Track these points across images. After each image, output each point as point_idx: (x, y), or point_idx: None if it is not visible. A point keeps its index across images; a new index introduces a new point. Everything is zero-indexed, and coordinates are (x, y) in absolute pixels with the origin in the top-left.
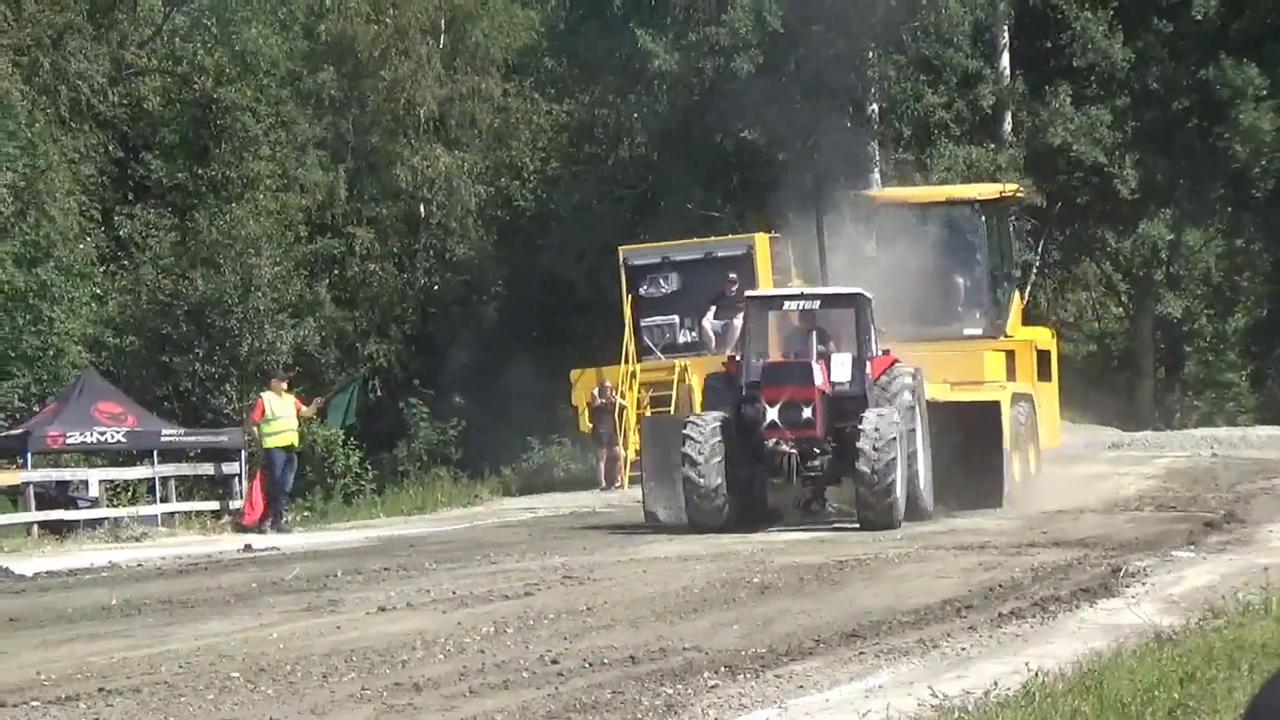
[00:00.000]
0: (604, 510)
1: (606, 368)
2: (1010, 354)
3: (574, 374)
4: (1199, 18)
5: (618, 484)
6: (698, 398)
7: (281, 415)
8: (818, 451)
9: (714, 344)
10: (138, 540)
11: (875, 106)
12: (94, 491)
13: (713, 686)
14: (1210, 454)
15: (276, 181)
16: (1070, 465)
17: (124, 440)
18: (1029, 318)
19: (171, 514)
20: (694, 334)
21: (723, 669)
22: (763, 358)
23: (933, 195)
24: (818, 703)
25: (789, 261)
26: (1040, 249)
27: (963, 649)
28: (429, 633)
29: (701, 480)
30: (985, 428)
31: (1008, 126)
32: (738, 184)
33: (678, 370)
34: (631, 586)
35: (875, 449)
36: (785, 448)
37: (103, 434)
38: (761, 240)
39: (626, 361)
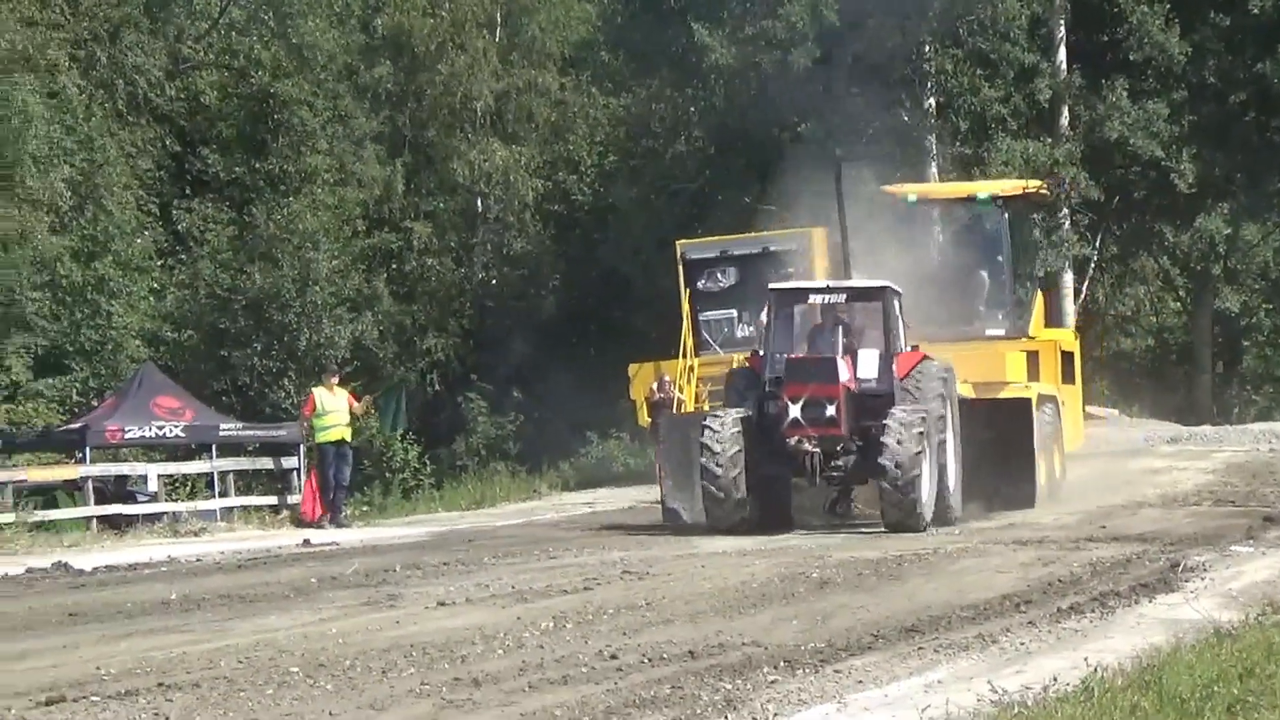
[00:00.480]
0: None
1: (665, 362)
2: (1034, 355)
3: (632, 368)
4: (1256, 11)
5: None
6: None
7: (332, 410)
8: (841, 450)
9: None
10: (196, 535)
11: (932, 100)
12: (153, 486)
13: (772, 682)
14: (1268, 448)
15: (334, 175)
16: (1127, 460)
17: (182, 435)
18: (1087, 313)
19: (230, 508)
20: (751, 328)
21: (782, 664)
22: (788, 352)
23: (954, 191)
24: (876, 698)
25: (849, 255)
26: (1097, 243)
27: (1022, 644)
28: (488, 627)
29: (720, 481)
30: (1016, 427)
31: (1065, 120)
32: (793, 178)
33: (735, 364)
34: (690, 581)
35: (900, 448)
36: (808, 446)
37: (161, 428)
38: (819, 234)
39: (684, 356)
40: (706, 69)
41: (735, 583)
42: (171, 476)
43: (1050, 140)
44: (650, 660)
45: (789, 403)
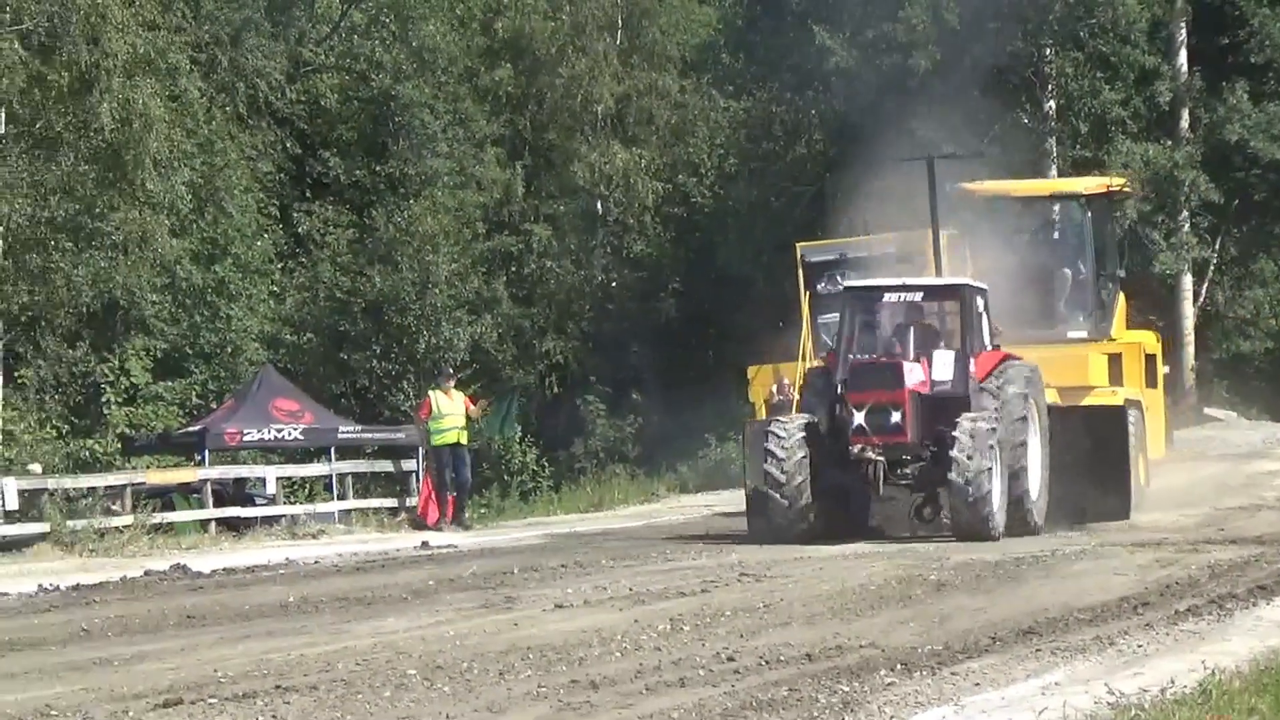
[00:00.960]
0: None
1: (784, 364)
2: (1116, 357)
3: (751, 370)
4: None
5: None
6: None
7: (449, 413)
8: (909, 459)
9: None
10: (314, 537)
11: (1052, 103)
12: (271, 489)
13: (889, 684)
14: None
15: (454, 178)
16: (1245, 462)
17: (301, 437)
18: (1207, 315)
19: (348, 511)
20: None
21: (899, 666)
22: (861, 354)
23: (1036, 189)
24: (994, 700)
25: (965, 259)
26: (1217, 246)
27: (1139, 646)
28: (605, 630)
29: (784, 491)
30: (1109, 434)
31: (1185, 123)
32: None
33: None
34: (808, 584)
35: (969, 457)
36: (871, 455)
37: (280, 431)
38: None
39: (804, 359)
40: (827, 72)
41: (853, 585)
42: (290, 479)
43: (1170, 143)
44: (767, 663)
45: (854, 409)
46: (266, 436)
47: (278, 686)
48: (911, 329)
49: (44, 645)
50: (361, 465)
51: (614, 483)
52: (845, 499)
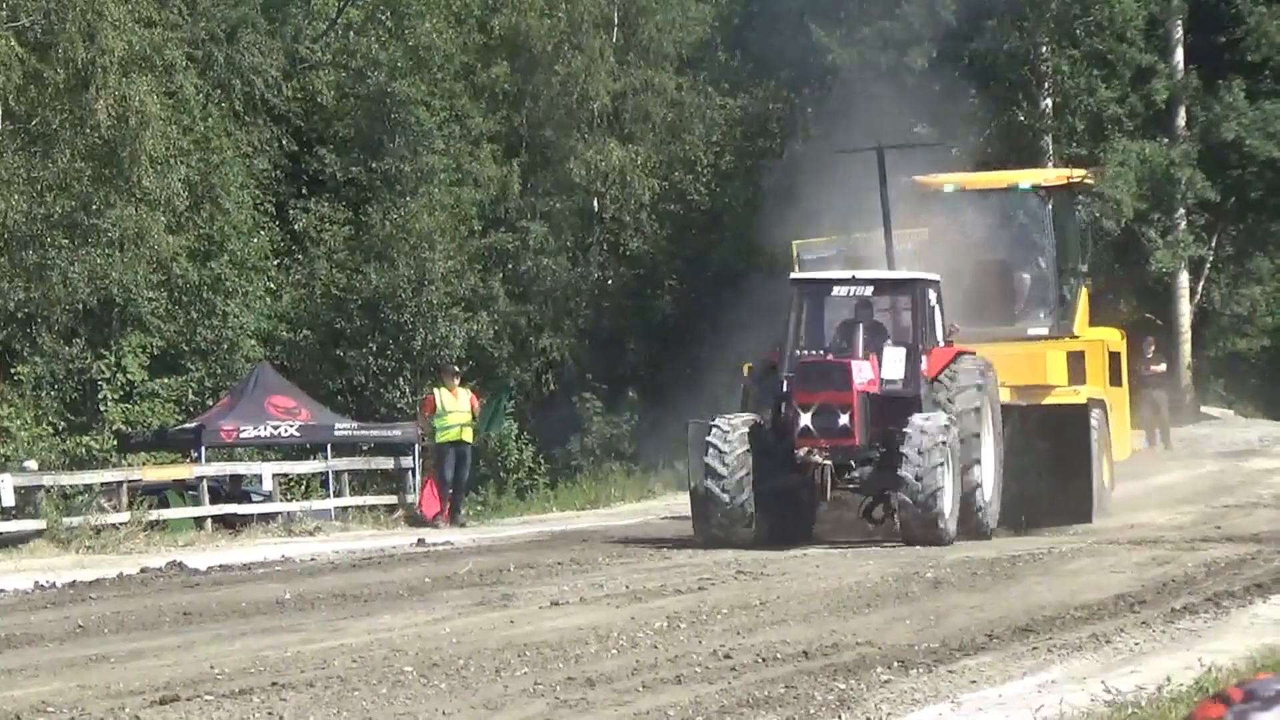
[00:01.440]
0: None
1: None
2: (1079, 355)
3: (746, 367)
4: None
5: None
6: None
7: (452, 410)
8: (857, 461)
9: None
10: (311, 534)
11: (1048, 101)
12: (267, 486)
13: (885, 681)
14: None
15: (450, 175)
16: (1242, 460)
17: (297, 434)
18: (1204, 313)
19: (345, 508)
20: None
21: (896, 664)
22: (816, 349)
23: (994, 181)
24: (991, 698)
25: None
26: (1213, 244)
27: (1136, 644)
28: (602, 627)
29: (726, 495)
30: (1071, 435)
31: (1181, 121)
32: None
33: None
34: (804, 581)
35: (920, 457)
36: (818, 458)
37: (276, 428)
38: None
39: None
40: (824, 69)
41: (850, 583)
42: (286, 476)
43: (1166, 141)
44: (764, 660)
45: (799, 410)
46: (263, 433)
47: (274, 683)
48: (861, 324)
49: (40, 642)
50: (358, 462)
51: (610, 480)
52: (791, 501)
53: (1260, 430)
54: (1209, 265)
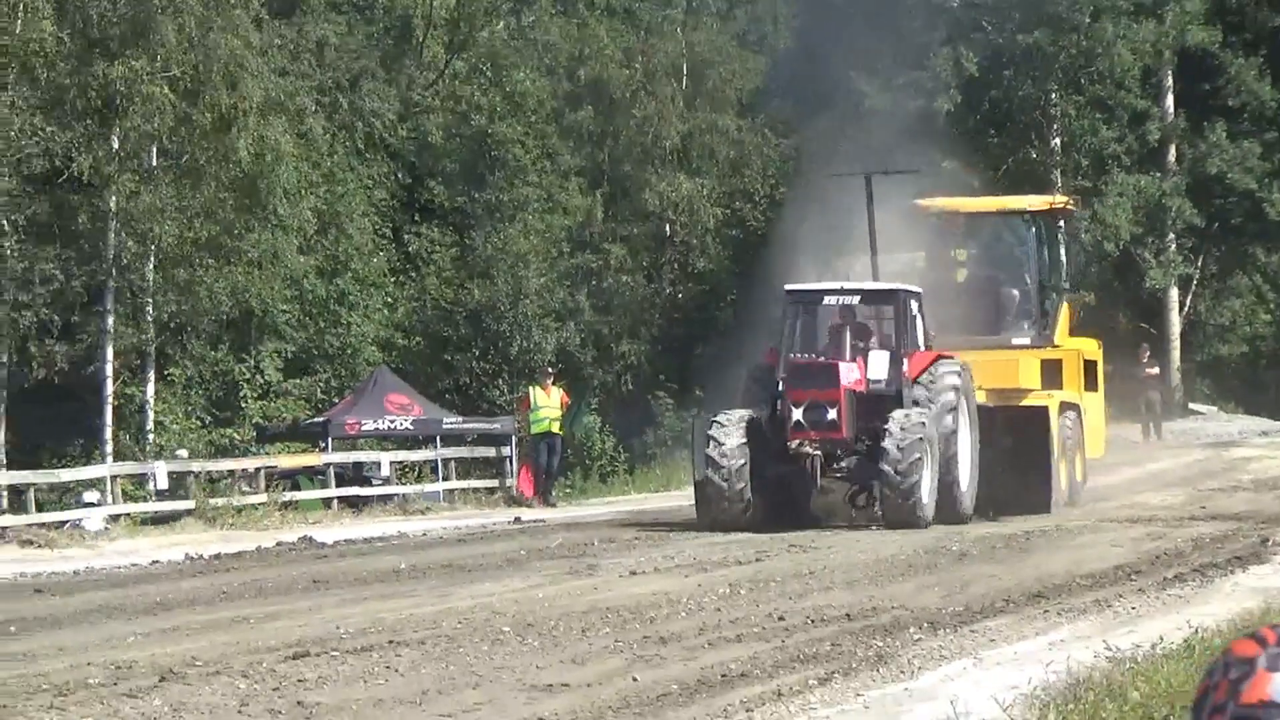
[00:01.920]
0: None
1: None
2: (1056, 363)
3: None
4: None
5: None
6: None
7: (544, 406)
8: (843, 453)
9: None
10: (423, 514)
11: (1057, 140)
12: (385, 471)
13: (917, 640)
14: None
15: (542, 204)
16: (1225, 450)
17: (411, 427)
18: (1191, 323)
19: (452, 491)
20: None
21: (925, 625)
22: (807, 353)
23: (983, 205)
24: (1007, 654)
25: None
26: (1199, 263)
27: (1133, 608)
28: (673, 593)
29: (724, 485)
30: (1034, 433)
31: (1172, 157)
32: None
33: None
34: (848, 554)
35: (899, 450)
36: (808, 450)
37: (393, 422)
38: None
39: None
40: (863, 113)
41: (887, 555)
42: (401, 463)
43: (1159, 174)
44: (813, 622)
45: (792, 406)
46: (381, 427)
47: (391, 641)
48: (848, 330)
49: (191, 605)
50: (463, 451)
51: (680, 466)
52: (787, 489)
53: (1241, 424)
54: (1195, 282)
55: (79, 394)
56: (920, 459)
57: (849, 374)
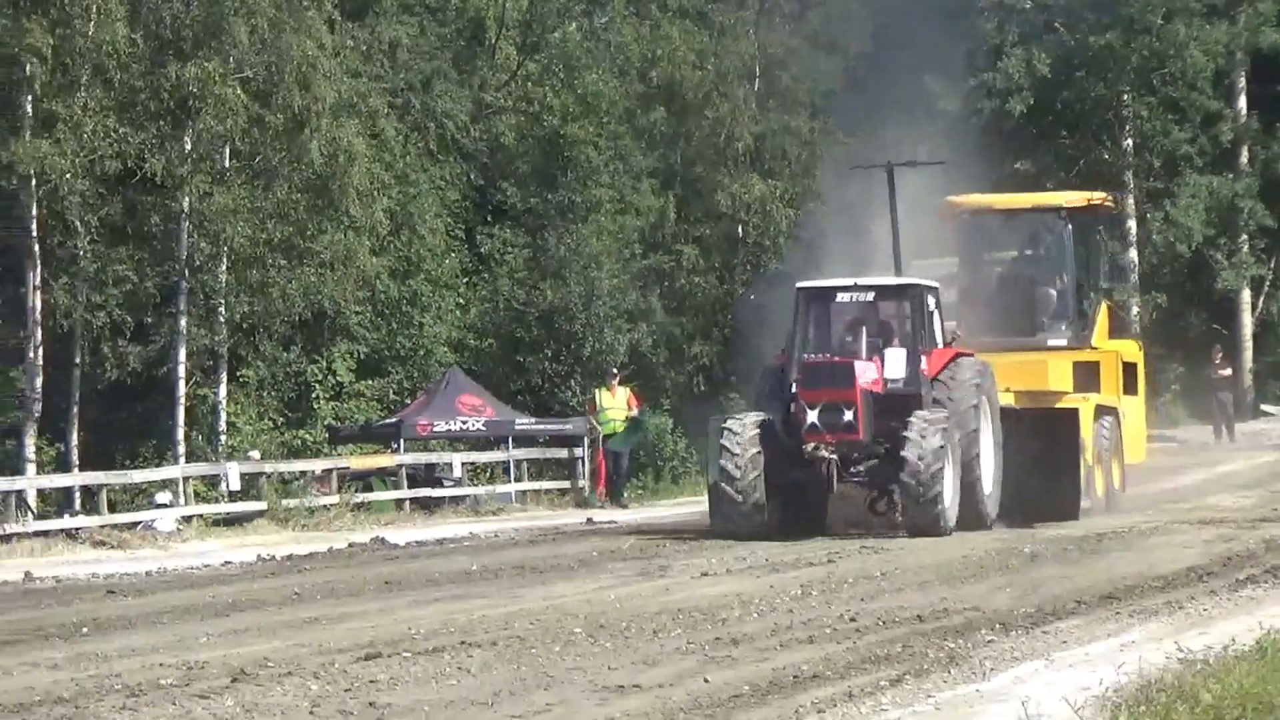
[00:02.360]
0: None
1: None
2: (1093, 365)
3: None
4: None
5: None
6: None
7: (610, 408)
8: (861, 455)
9: None
10: (494, 515)
11: (1130, 141)
12: (457, 472)
13: (989, 641)
14: None
15: (615, 206)
16: None
17: (483, 428)
18: (1264, 324)
19: (524, 492)
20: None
21: (997, 626)
22: (821, 352)
23: (1018, 202)
24: (1079, 656)
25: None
26: (1272, 264)
27: (1204, 610)
28: (745, 594)
29: (738, 486)
30: (1063, 437)
31: (1244, 159)
32: None
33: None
34: (920, 555)
35: (921, 452)
36: (824, 453)
37: (465, 423)
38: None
39: None
40: (935, 115)
41: (958, 556)
42: (473, 464)
43: (1231, 176)
44: (885, 623)
45: (806, 408)
46: (453, 428)
47: (462, 642)
48: (864, 327)
49: (262, 606)
50: (535, 452)
51: None
52: (802, 495)
53: None
54: (1268, 283)
55: (152, 395)
56: (942, 468)
57: (865, 373)
